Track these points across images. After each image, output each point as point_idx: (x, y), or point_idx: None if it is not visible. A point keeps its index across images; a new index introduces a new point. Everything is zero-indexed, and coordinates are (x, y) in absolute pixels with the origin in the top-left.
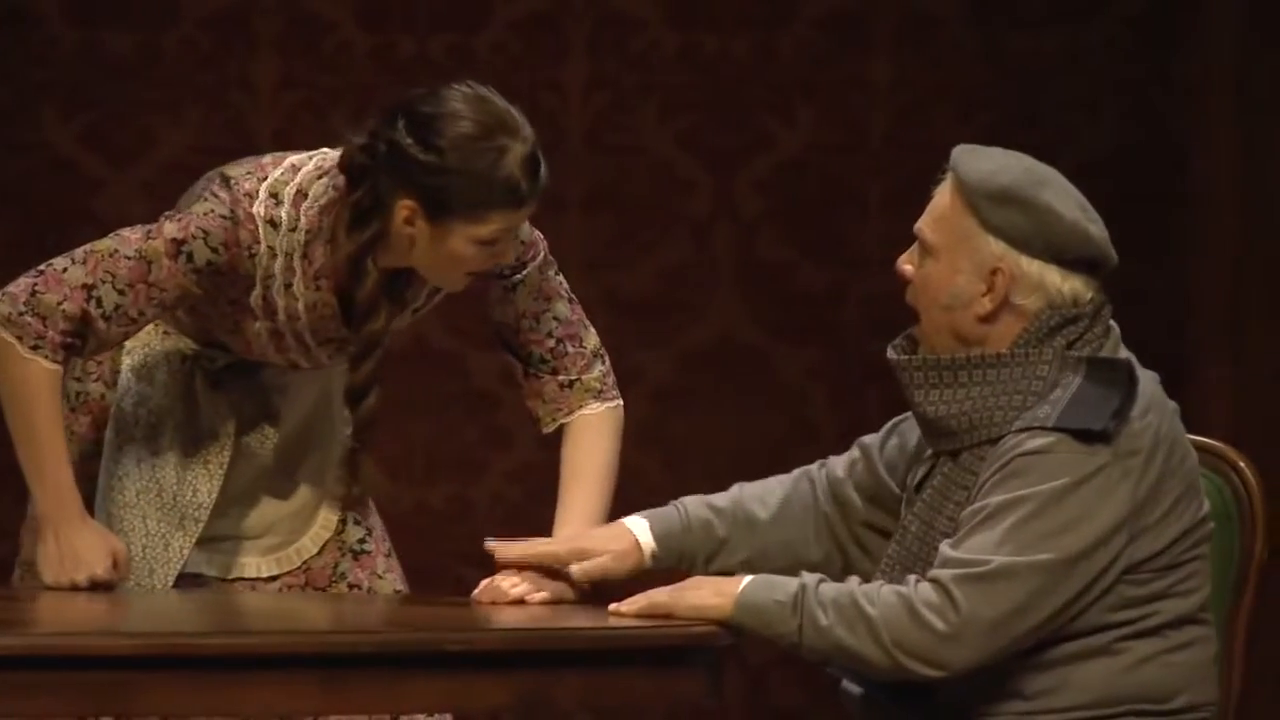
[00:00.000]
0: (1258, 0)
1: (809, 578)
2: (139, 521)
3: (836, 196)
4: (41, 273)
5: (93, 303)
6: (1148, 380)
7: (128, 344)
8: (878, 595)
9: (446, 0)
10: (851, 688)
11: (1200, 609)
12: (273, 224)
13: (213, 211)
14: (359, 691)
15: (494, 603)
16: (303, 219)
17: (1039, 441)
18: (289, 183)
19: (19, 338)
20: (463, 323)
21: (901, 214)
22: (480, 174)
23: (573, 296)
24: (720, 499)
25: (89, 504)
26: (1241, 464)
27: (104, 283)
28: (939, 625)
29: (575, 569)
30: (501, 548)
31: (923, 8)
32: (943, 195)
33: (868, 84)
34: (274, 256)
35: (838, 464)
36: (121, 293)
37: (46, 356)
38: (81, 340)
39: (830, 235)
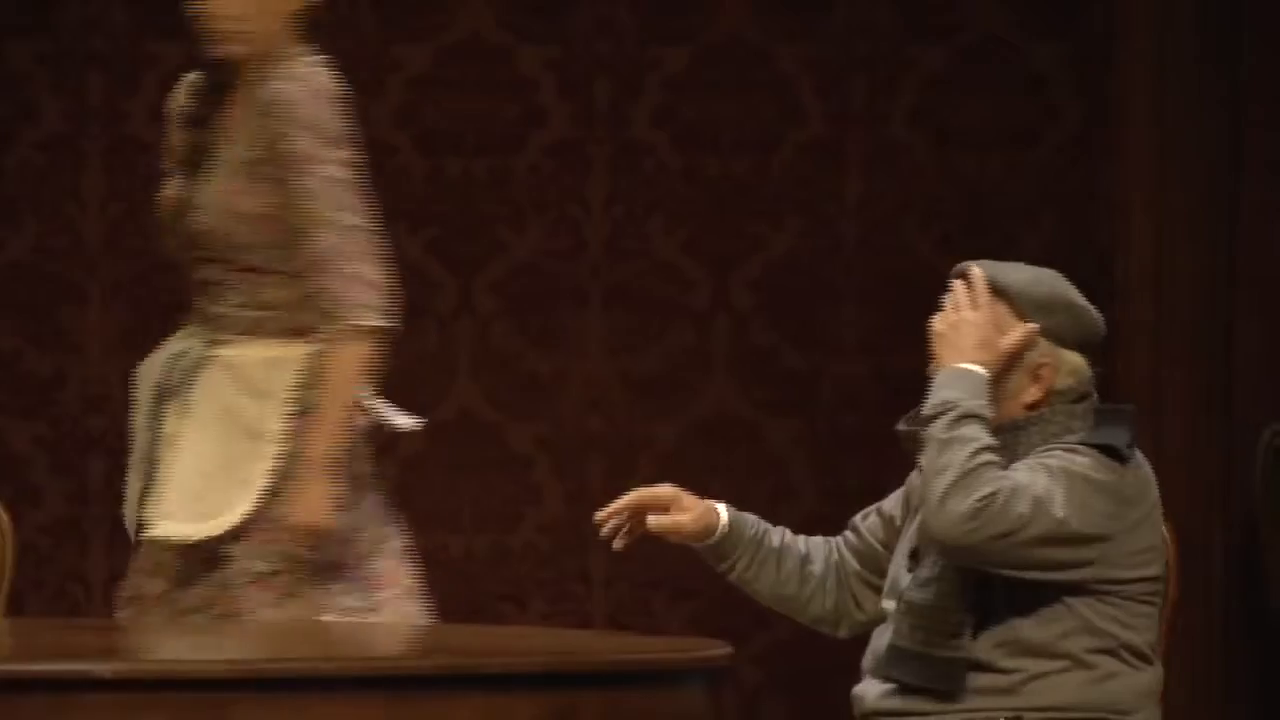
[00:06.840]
0: (1168, 129)
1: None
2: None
3: (815, 292)
4: None
5: None
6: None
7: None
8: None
9: (489, 127)
10: (869, 688)
11: (1150, 647)
12: None
13: None
14: (416, 708)
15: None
16: None
17: (1070, 445)
18: None
19: None
20: (501, 397)
21: (870, 307)
22: None
23: None
24: (778, 532)
25: None
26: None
27: None
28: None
29: (652, 520)
30: (616, 506)
31: (889, 135)
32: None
33: (843, 198)
34: None
35: (840, 540)
36: None
37: None
38: None
39: (810, 325)
